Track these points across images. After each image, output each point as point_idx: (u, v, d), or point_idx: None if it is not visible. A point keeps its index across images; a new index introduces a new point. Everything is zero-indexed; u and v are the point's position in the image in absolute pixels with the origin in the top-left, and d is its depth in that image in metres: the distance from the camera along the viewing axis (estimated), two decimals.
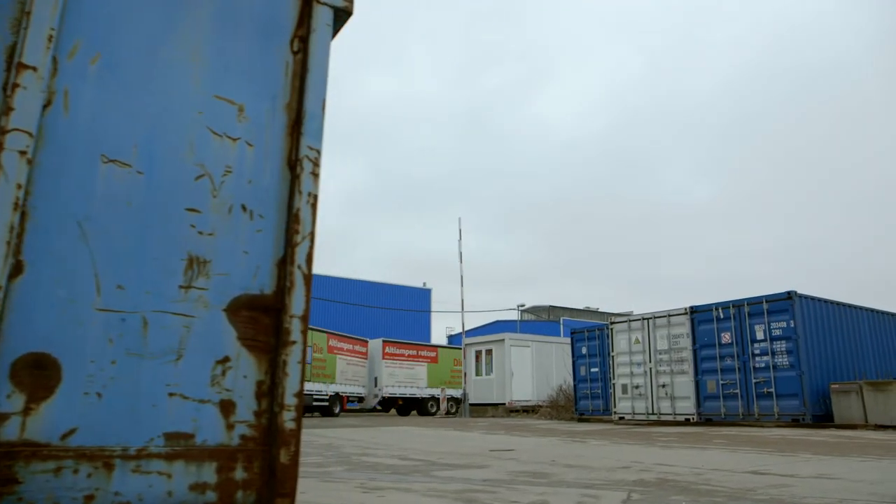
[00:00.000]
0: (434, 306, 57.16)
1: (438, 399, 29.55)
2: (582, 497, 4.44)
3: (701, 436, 11.54)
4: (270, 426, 1.65)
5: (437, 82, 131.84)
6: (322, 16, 1.86)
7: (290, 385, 1.64)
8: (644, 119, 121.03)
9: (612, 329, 18.55)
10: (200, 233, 1.63)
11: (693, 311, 16.37)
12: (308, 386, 22.42)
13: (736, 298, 15.54)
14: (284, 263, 1.71)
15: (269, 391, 1.68)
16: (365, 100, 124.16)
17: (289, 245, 1.66)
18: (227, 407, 1.62)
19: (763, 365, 14.59)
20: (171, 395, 1.58)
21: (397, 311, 52.20)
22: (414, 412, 28.97)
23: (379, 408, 28.83)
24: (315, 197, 1.71)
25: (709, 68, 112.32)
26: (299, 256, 1.67)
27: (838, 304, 15.59)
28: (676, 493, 4.60)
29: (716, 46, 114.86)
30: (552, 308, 74.44)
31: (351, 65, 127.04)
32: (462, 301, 31.87)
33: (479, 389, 28.88)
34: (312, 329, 23.10)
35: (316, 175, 1.73)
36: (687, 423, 16.00)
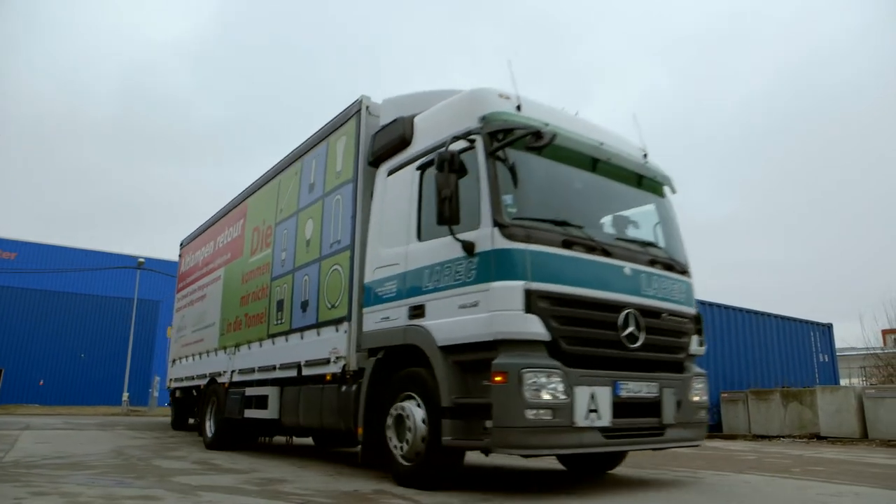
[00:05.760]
0: None
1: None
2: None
3: None
4: None
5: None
6: None
7: None
8: (668, 135, 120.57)
9: None
10: None
11: None
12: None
13: None
14: None
15: None
16: None
17: None
18: None
19: None
20: None
21: None
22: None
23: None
24: None
25: (732, 86, 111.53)
26: None
27: (742, 310, 15.12)
28: None
29: (740, 66, 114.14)
30: None
31: (391, 77, 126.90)
32: None
33: None
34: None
35: None
36: None
